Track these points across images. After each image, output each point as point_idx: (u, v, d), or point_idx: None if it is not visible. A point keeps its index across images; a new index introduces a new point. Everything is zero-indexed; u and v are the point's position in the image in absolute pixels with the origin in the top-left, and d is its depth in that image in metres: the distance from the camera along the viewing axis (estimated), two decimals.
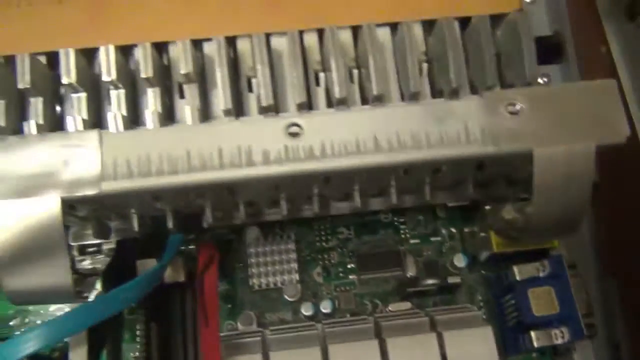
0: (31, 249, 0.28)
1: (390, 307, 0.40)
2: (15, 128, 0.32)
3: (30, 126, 0.32)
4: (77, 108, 0.33)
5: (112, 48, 0.32)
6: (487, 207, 0.37)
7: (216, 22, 0.34)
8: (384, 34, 0.35)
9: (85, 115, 0.33)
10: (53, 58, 0.33)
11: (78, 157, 0.29)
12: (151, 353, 0.37)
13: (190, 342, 0.38)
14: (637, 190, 0.39)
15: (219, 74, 0.33)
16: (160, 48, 0.34)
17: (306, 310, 0.39)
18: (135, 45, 0.34)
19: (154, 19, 0.34)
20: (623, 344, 0.41)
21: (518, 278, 0.37)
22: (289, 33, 0.33)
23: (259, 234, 0.40)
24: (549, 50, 0.40)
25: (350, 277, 0.41)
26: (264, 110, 0.33)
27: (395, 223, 0.42)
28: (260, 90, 0.33)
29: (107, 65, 0.32)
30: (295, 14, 0.34)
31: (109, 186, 0.29)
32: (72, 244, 0.35)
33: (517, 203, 0.35)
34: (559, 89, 0.32)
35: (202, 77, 0.34)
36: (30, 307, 0.39)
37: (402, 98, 0.35)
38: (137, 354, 0.37)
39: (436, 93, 0.35)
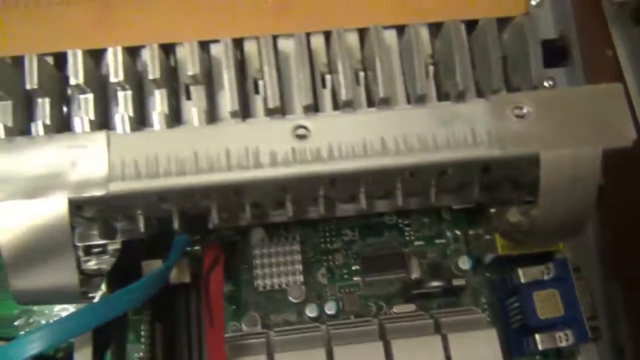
0: (38, 249, 0.28)
1: (395, 309, 0.40)
2: (23, 129, 0.32)
3: (38, 127, 0.32)
4: (84, 109, 0.33)
5: (120, 49, 0.32)
6: (492, 210, 0.37)
7: (223, 24, 0.34)
8: (390, 36, 0.35)
9: (92, 116, 0.33)
10: (60, 59, 0.34)
11: (86, 158, 0.29)
12: (156, 354, 0.37)
13: (195, 342, 0.38)
14: None
15: (225, 76, 0.33)
16: (167, 49, 0.34)
17: (310, 311, 0.39)
18: (142, 47, 0.34)
19: (161, 20, 0.34)
20: (627, 347, 0.41)
21: (523, 281, 0.37)
22: (296, 35, 0.33)
23: (264, 236, 0.40)
24: (554, 54, 0.40)
25: (355, 278, 0.41)
26: (270, 112, 0.33)
27: (400, 225, 0.42)
28: (267, 92, 0.33)
29: (115, 67, 0.32)
30: (302, 16, 0.34)
31: (117, 187, 0.29)
32: (78, 244, 0.35)
33: (522, 206, 0.35)
34: (566, 93, 0.32)
35: (209, 78, 0.34)
36: (35, 307, 0.39)
37: (408, 101, 0.35)
38: (141, 354, 0.37)
39: (442, 96, 0.35)
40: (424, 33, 0.35)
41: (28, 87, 0.32)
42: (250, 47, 0.35)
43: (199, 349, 0.38)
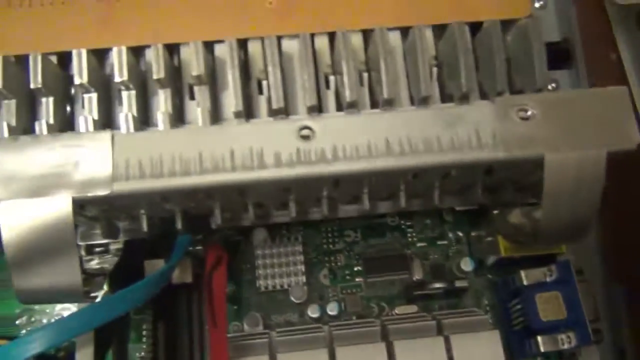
0: (42, 248, 0.28)
1: (397, 310, 0.40)
2: (26, 128, 0.32)
3: (42, 126, 0.32)
4: (88, 108, 0.33)
5: (124, 49, 0.32)
6: (495, 212, 0.37)
7: (227, 24, 0.34)
8: (394, 37, 0.35)
9: (96, 116, 0.33)
10: (64, 58, 0.34)
11: (89, 158, 0.29)
12: (157, 353, 0.37)
13: (197, 343, 0.38)
14: None
15: (230, 76, 0.33)
16: (172, 49, 0.34)
17: (312, 312, 0.39)
18: (146, 47, 0.34)
19: (165, 20, 0.34)
20: (629, 350, 0.41)
21: (525, 283, 0.37)
22: (300, 36, 0.33)
23: (266, 236, 0.40)
24: (557, 56, 0.40)
25: (357, 279, 0.41)
26: (274, 113, 0.33)
27: (402, 226, 0.42)
28: (271, 93, 0.33)
29: (119, 66, 0.32)
30: (306, 17, 0.34)
31: (121, 187, 0.29)
32: (80, 243, 0.35)
33: (525, 208, 0.35)
34: (570, 95, 0.32)
35: (213, 78, 0.34)
36: (37, 306, 0.39)
37: (412, 102, 0.35)
38: (143, 354, 0.37)
39: (446, 97, 0.35)
40: (428, 34, 0.35)
41: (32, 86, 0.32)
42: (254, 47, 0.35)
43: (201, 349, 0.38)
